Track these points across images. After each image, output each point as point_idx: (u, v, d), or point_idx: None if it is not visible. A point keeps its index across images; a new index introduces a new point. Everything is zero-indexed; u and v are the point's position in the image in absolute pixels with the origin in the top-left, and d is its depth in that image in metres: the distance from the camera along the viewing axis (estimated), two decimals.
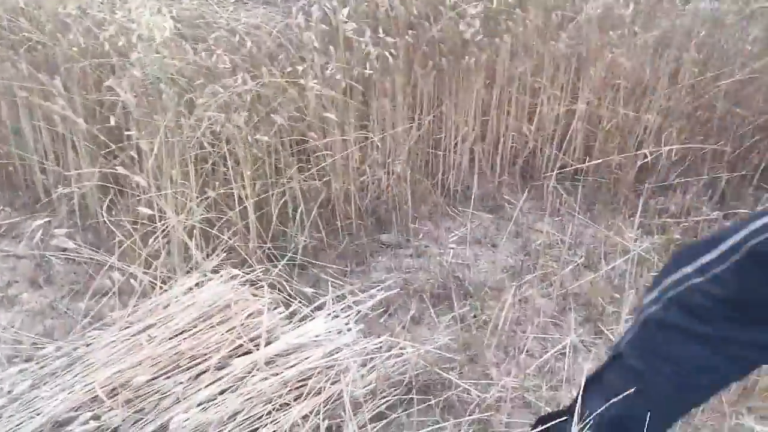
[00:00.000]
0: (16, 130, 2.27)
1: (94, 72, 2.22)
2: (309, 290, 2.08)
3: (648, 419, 1.08)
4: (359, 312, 1.94)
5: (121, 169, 1.98)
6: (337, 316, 1.69)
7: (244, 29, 2.38)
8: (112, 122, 2.04)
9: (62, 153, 2.28)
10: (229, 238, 2.11)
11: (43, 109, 2.16)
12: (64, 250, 2.29)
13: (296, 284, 2.10)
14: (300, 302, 1.95)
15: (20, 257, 2.24)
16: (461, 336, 2.04)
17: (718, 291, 0.99)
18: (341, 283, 2.23)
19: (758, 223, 0.96)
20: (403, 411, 1.72)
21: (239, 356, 1.55)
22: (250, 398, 1.47)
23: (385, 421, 1.65)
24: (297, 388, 1.54)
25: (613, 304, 2.22)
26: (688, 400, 1.17)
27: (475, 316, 2.15)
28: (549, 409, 1.75)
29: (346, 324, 1.65)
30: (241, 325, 1.59)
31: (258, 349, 1.58)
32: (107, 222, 2.18)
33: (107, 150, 2.18)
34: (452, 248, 2.50)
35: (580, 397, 1.21)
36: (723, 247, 0.99)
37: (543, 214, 2.73)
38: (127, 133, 2.11)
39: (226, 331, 1.56)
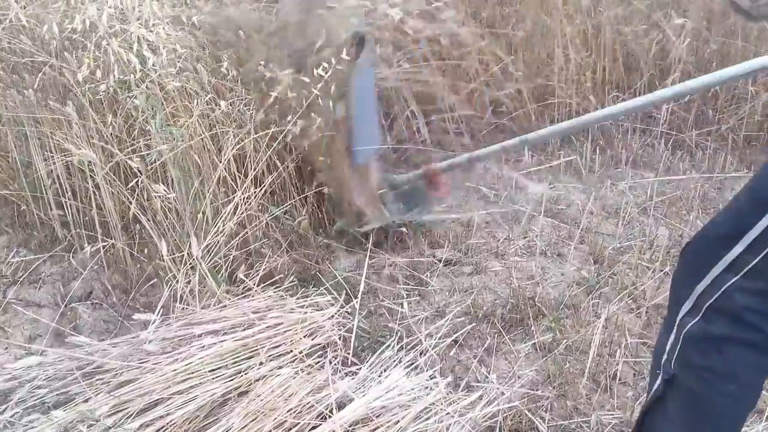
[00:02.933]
0: (27, 164, 2.02)
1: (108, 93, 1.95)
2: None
3: None
4: (434, 347, 1.72)
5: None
6: (416, 366, 1.46)
7: None
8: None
9: (81, 186, 2.02)
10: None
11: (56, 139, 1.90)
12: (90, 294, 2.06)
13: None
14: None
15: (41, 306, 2.00)
16: (545, 367, 1.82)
17: (761, 285, 0.89)
18: (402, 310, 1.99)
19: None
20: None
21: (312, 429, 1.32)
22: None
23: None
24: None
25: None
26: (749, 409, 1.07)
27: (554, 341, 1.92)
28: None
29: (432, 378, 1.42)
30: (307, 394, 1.35)
31: (331, 416, 1.35)
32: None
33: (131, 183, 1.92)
34: (515, 260, 2.26)
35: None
36: (750, 237, 0.88)
37: (606, 215, 2.49)
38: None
39: (287, 411, 1.33)
